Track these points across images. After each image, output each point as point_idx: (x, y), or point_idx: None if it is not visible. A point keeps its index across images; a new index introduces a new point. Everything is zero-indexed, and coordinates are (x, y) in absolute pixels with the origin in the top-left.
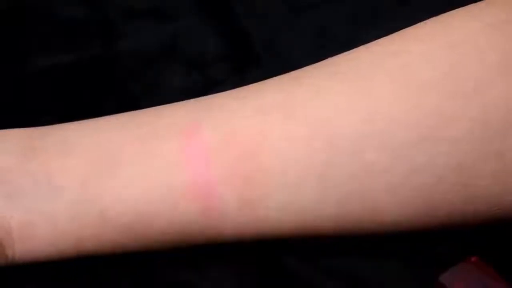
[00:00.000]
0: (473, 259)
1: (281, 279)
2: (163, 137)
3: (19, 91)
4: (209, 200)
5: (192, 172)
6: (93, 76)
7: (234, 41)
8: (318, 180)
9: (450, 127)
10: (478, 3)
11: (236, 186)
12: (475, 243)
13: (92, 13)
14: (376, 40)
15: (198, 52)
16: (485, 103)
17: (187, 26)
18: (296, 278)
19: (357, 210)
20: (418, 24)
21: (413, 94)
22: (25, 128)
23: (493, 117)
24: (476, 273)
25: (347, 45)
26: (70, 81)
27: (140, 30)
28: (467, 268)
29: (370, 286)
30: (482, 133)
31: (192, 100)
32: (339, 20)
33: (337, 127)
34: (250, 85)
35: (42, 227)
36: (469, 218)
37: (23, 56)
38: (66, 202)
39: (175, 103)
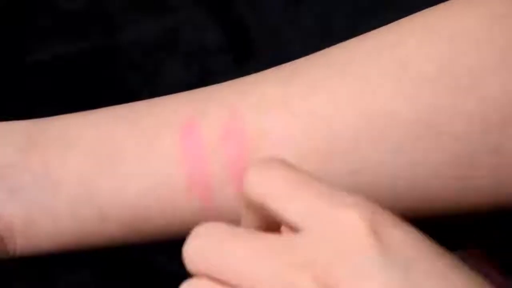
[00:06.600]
0: (472, 249)
1: None
2: (161, 132)
3: (20, 83)
4: (207, 195)
5: (189, 168)
6: (93, 68)
7: (233, 33)
8: (316, 175)
9: (448, 121)
10: None
11: (234, 181)
12: (474, 234)
13: (92, 5)
14: (372, 31)
15: (198, 44)
16: (483, 97)
17: (187, 18)
18: None
19: None
20: (415, 15)
21: (410, 89)
22: (25, 120)
23: (491, 111)
24: (475, 262)
25: (347, 35)
26: (70, 72)
27: (140, 22)
28: (466, 258)
29: None
30: (480, 127)
31: (190, 92)
32: (339, 11)
33: (335, 123)
34: (248, 77)
35: (42, 222)
36: (465, 209)
37: (24, 47)
38: (65, 197)
39: (173, 95)
